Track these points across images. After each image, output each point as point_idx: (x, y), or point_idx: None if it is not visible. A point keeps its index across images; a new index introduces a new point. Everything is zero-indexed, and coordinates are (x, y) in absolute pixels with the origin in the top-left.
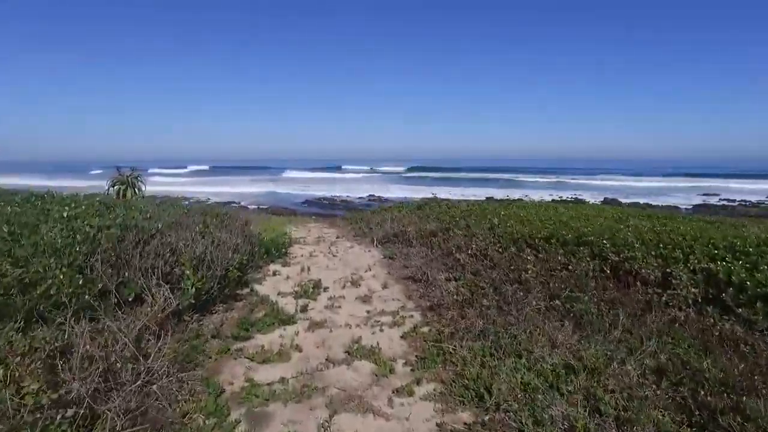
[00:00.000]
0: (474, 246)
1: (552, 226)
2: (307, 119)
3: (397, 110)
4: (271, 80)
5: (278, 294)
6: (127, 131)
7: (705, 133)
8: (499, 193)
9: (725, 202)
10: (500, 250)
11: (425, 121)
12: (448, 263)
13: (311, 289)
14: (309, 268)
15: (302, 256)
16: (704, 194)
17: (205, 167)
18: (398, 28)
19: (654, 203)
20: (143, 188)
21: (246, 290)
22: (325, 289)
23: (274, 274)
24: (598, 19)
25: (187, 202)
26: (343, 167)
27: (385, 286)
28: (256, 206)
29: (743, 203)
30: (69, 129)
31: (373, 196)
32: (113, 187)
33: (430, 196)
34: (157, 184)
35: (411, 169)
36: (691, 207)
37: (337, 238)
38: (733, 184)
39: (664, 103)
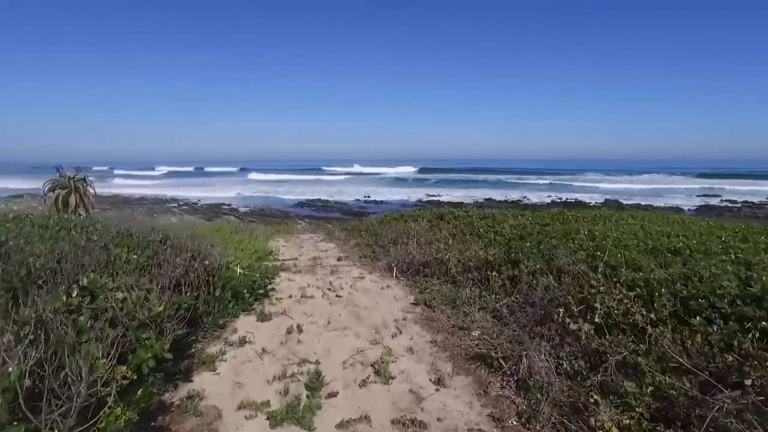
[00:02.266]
0: (599, 307)
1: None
2: (287, 120)
3: (386, 110)
4: (256, 80)
5: (240, 406)
6: (87, 131)
7: (697, 133)
8: (497, 194)
9: (727, 203)
10: (656, 317)
11: (416, 122)
12: (546, 333)
13: (304, 395)
14: (299, 328)
15: (290, 297)
16: (704, 195)
17: (178, 169)
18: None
19: (656, 204)
20: (92, 192)
21: (182, 392)
22: (331, 393)
23: (242, 342)
24: (597, 15)
25: (176, 205)
26: (327, 169)
27: (439, 381)
28: (247, 209)
29: (747, 204)
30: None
31: (368, 197)
32: (52, 192)
33: (426, 197)
34: (129, 187)
35: (422, 170)
36: (694, 208)
37: (338, 260)
38: (728, 185)
39: (654, 103)
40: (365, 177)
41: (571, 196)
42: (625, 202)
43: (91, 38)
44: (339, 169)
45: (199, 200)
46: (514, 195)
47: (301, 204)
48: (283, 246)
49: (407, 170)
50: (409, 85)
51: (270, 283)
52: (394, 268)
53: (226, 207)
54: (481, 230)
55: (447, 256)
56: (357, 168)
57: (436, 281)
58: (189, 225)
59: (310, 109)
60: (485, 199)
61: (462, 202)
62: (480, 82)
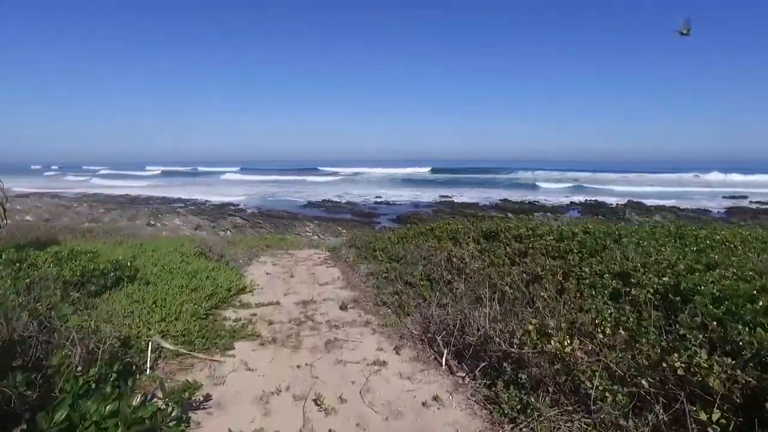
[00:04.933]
0: None
1: None
2: (287, 119)
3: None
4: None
5: None
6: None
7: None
8: (512, 195)
9: (758, 205)
10: None
11: (427, 123)
12: None
13: None
14: None
15: None
16: (731, 197)
17: (173, 168)
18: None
19: (682, 207)
20: (2, 197)
21: None
22: None
23: None
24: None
25: (182, 206)
26: (335, 169)
27: None
28: (254, 210)
29: None
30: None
31: (379, 198)
32: None
33: (439, 197)
34: (124, 188)
35: (434, 171)
36: (723, 210)
37: (342, 308)
38: (740, 186)
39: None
40: (375, 177)
41: (590, 198)
42: (648, 204)
43: (77, 38)
44: (348, 169)
45: (206, 201)
46: (530, 196)
47: (310, 204)
48: (267, 273)
49: (419, 171)
50: (419, 84)
51: (199, 388)
52: (445, 352)
53: (233, 208)
54: (585, 271)
55: (568, 349)
56: (366, 168)
57: (550, 405)
58: (124, 246)
59: (312, 109)
60: (501, 200)
61: (477, 203)
62: (489, 82)
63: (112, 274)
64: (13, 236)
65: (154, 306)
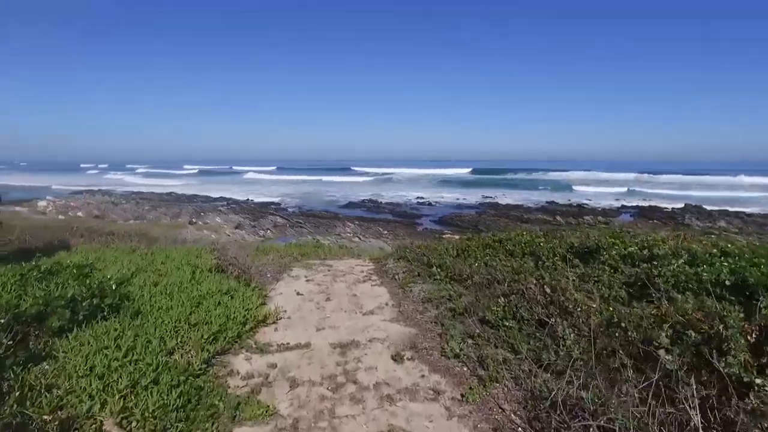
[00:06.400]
0: None
1: None
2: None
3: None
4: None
5: None
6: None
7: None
8: (558, 197)
9: None
10: None
11: (469, 123)
12: None
13: None
14: None
15: None
16: None
17: (210, 167)
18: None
19: (748, 211)
20: None
21: None
22: None
23: None
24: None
25: (224, 204)
26: (374, 170)
27: None
28: (295, 209)
29: None
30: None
31: (421, 198)
32: None
33: (482, 198)
34: (168, 187)
35: (475, 171)
36: None
37: (396, 359)
38: None
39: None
40: (413, 177)
41: (642, 202)
42: (708, 209)
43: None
44: (381, 169)
45: (248, 199)
46: (575, 198)
47: (351, 204)
48: (299, 294)
49: (460, 171)
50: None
51: None
52: None
53: (274, 207)
54: None
55: None
56: (401, 168)
57: None
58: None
59: (354, 109)
60: (547, 202)
61: (522, 205)
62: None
63: (86, 303)
64: (26, 240)
65: (126, 358)
